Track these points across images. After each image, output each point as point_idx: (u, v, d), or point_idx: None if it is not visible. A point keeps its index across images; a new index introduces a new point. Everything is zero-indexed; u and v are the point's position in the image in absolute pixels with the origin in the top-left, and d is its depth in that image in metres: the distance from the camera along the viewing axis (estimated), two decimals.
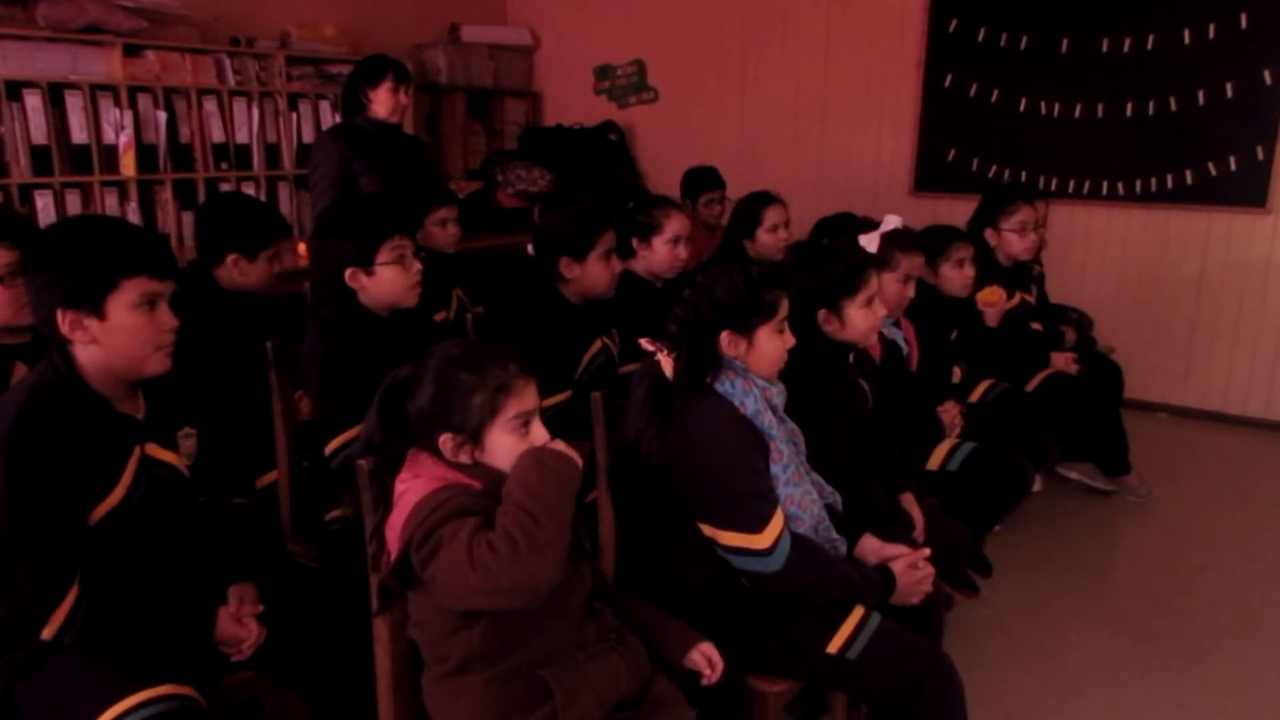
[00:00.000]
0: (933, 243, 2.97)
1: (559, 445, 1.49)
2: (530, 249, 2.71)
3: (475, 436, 1.47)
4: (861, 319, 2.18)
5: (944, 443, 2.68)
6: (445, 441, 1.47)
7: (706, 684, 1.62)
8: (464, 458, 1.48)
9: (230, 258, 2.52)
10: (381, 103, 3.63)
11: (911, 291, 2.74)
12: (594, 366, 2.62)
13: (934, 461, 2.68)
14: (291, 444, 2.31)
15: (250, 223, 2.59)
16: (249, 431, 2.39)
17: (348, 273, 2.20)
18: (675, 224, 2.94)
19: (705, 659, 1.63)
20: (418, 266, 2.27)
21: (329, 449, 2.14)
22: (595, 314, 2.69)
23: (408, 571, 1.43)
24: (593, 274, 2.60)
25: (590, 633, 1.53)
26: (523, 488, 1.40)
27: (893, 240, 2.63)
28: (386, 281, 2.21)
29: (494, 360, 1.47)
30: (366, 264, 2.20)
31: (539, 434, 1.50)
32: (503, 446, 1.48)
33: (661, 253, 2.93)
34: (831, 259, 2.21)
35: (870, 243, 2.57)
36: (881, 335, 2.67)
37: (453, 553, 1.36)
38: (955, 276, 2.99)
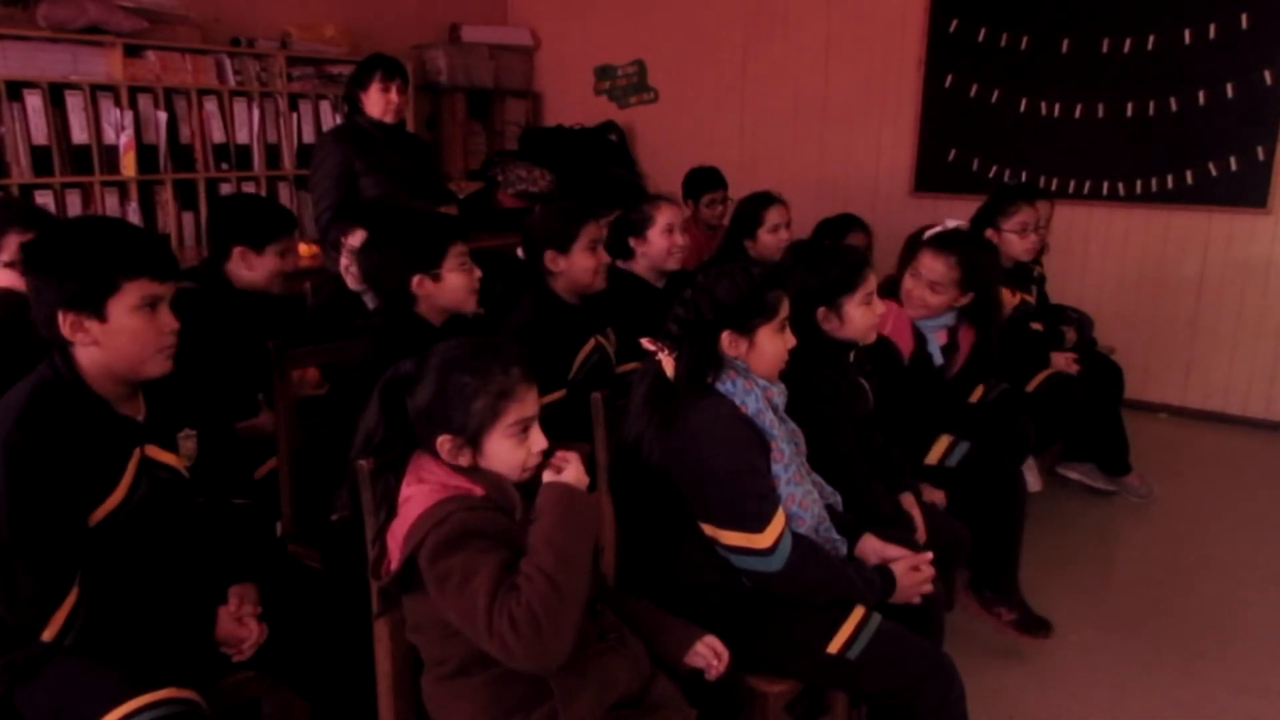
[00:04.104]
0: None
1: (572, 472, 1.48)
2: (520, 252, 2.73)
3: (474, 440, 1.46)
4: (860, 317, 2.18)
5: (942, 439, 2.67)
6: (443, 443, 1.46)
7: (714, 677, 1.62)
8: (462, 460, 1.47)
9: (237, 250, 2.55)
10: (373, 103, 3.64)
11: (957, 294, 2.64)
12: (589, 366, 2.63)
13: (933, 456, 2.67)
14: (292, 443, 2.32)
15: (256, 216, 2.64)
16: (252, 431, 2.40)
17: (414, 280, 2.22)
18: (666, 214, 2.96)
19: (710, 651, 1.62)
20: (478, 272, 2.32)
21: None
22: (590, 313, 2.69)
23: (409, 579, 1.43)
24: (579, 265, 2.62)
25: (590, 634, 1.53)
26: (548, 542, 1.38)
27: (931, 243, 2.65)
28: (452, 287, 2.26)
29: (498, 364, 1.46)
30: (433, 268, 2.23)
31: (537, 440, 1.50)
32: (501, 451, 1.47)
33: (659, 244, 2.94)
34: (830, 257, 2.22)
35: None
36: (919, 334, 2.67)
37: (468, 604, 1.35)
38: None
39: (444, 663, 1.48)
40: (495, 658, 1.37)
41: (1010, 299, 3.23)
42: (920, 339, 2.70)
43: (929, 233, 2.68)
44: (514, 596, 1.34)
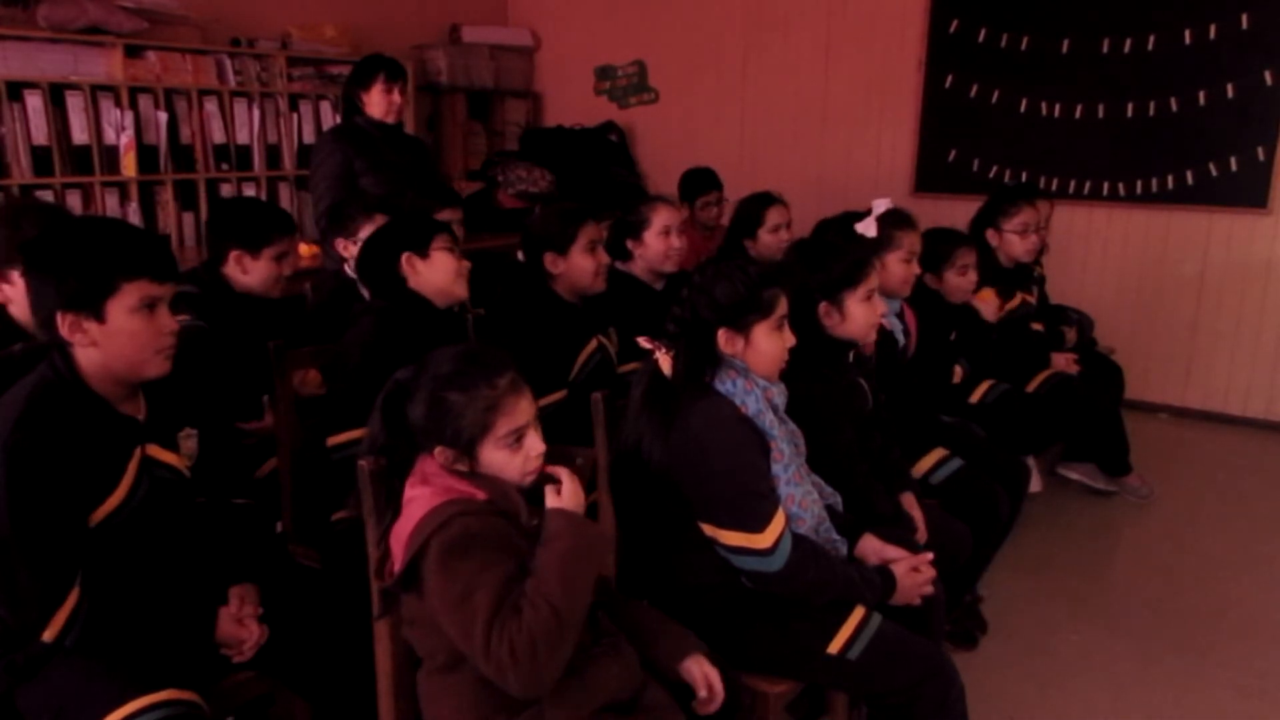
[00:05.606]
0: (937, 247, 2.96)
1: (568, 494, 1.48)
2: (520, 254, 2.74)
3: (468, 451, 1.47)
4: (862, 313, 2.18)
5: (933, 452, 2.66)
6: (440, 454, 1.47)
7: (705, 710, 1.59)
8: (461, 467, 1.48)
9: (233, 254, 2.55)
10: (375, 104, 3.64)
11: (917, 269, 2.76)
12: (590, 366, 2.62)
13: (920, 468, 2.65)
14: (292, 443, 2.32)
15: (253, 219, 2.63)
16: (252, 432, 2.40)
17: (404, 257, 2.25)
18: (662, 215, 2.94)
19: (704, 678, 1.59)
20: (466, 263, 2.36)
21: (333, 441, 2.12)
22: (591, 313, 2.69)
23: (410, 578, 1.43)
24: (577, 266, 2.62)
25: (585, 638, 1.52)
26: (560, 575, 1.38)
27: (889, 221, 2.65)
28: (440, 267, 2.28)
29: (483, 379, 1.46)
30: (422, 247, 2.26)
31: (534, 445, 1.50)
32: (496, 460, 1.48)
33: (655, 246, 2.93)
34: (833, 252, 2.23)
35: (868, 228, 2.57)
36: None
37: (466, 620, 1.35)
38: (960, 283, 2.98)
39: (434, 656, 1.49)
40: (487, 677, 1.37)
41: (1009, 299, 3.22)
42: (880, 330, 2.69)
43: (879, 215, 2.66)
44: (515, 622, 1.34)
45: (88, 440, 1.56)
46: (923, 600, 1.92)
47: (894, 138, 5.27)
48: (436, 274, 2.28)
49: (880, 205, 2.64)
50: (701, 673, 1.60)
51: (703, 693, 1.59)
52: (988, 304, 3.12)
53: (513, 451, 1.48)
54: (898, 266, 2.71)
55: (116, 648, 1.57)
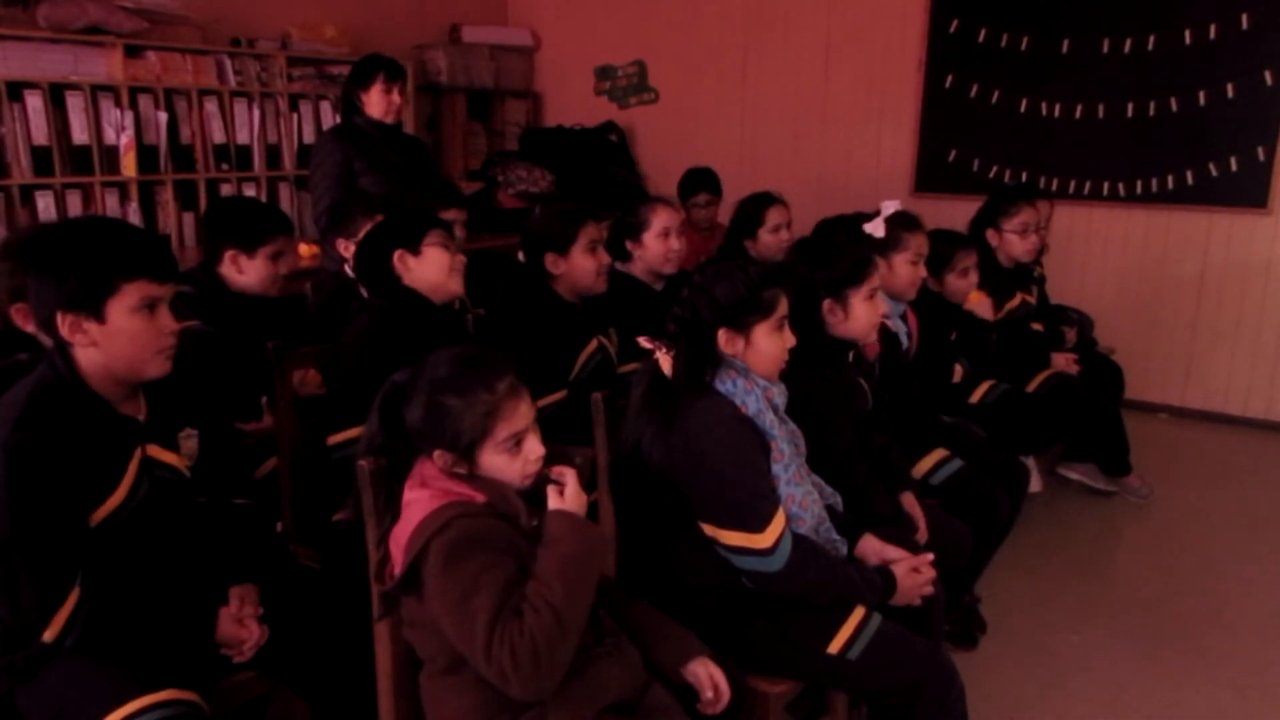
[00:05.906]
0: (937, 249, 2.95)
1: (570, 494, 1.48)
2: (520, 254, 2.74)
3: (468, 455, 1.47)
4: (864, 312, 2.19)
5: (933, 453, 2.66)
6: (438, 457, 1.47)
7: (710, 711, 1.59)
8: (460, 470, 1.48)
9: (229, 254, 2.54)
10: (375, 104, 3.64)
11: (924, 272, 2.76)
12: (591, 366, 2.62)
13: (920, 469, 2.64)
14: (292, 443, 2.32)
15: (247, 219, 2.62)
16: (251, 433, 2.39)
17: (396, 254, 2.27)
18: (662, 217, 2.93)
19: (709, 679, 1.59)
20: (461, 258, 2.36)
21: (332, 440, 2.13)
22: (592, 313, 2.69)
23: (410, 580, 1.43)
24: (579, 267, 2.62)
25: (588, 638, 1.52)
26: (560, 576, 1.38)
27: (898, 222, 2.65)
28: (433, 263, 2.29)
29: (481, 383, 1.45)
30: (414, 244, 2.27)
31: (533, 449, 1.49)
32: (496, 464, 1.48)
33: (654, 247, 2.93)
34: (837, 250, 2.23)
35: (876, 228, 2.57)
36: (883, 327, 2.66)
37: (466, 622, 1.35)
38: (961, 285, 2.98)
39: (435, 659, 1.48)
40: (489, 680, 1.37)
41: (1009, 299, 3.22)
42: (885, 332, 2.69)
43: (888, 216, 2.66)
44: (516, 625, 1.34)
45: (88, 440, 1.56)
46: (923, 600, 1.92)
47: (894, 138, 5.27)
48: (429, 270, 2.29)
49: (889, 207, 2.65)
50: (708, 674, 1.59)
51: (709, 694, 1.58)
52: (980, 305, 3.13)
53: (512, 455, 1.48)
54: (905, 268, 2.70)
55: (116, 648, 1.57)
